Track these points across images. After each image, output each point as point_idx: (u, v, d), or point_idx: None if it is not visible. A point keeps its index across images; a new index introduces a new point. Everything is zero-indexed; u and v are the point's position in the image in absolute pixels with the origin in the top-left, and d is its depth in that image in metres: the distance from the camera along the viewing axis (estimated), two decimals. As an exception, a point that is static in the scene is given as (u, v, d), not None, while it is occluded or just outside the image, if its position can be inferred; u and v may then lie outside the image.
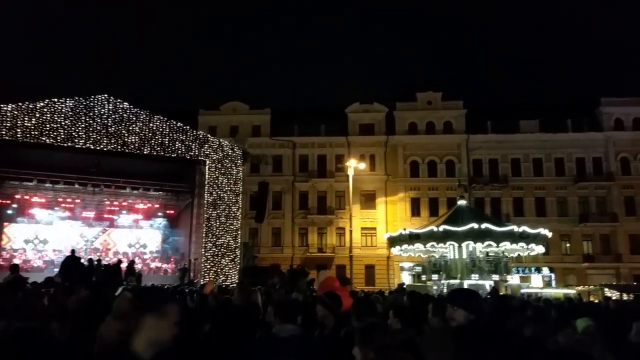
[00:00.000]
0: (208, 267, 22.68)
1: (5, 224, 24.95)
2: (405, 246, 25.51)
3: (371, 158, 44.97)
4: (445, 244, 23.65)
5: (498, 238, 22.49)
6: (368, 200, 44.45)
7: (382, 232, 40.64)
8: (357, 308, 4.62)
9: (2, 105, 19.87)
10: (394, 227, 39.45)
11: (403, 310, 4.67)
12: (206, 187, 23.45)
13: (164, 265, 26.09)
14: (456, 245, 23.48)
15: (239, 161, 24.63)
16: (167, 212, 27.80)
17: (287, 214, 44.42)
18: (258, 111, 46.23)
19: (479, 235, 22.25)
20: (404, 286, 18.16)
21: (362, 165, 38.14)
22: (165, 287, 16.05)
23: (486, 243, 22.79)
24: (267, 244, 43.08)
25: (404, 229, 25.85)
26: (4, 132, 19.82)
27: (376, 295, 10.47)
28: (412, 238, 24.34)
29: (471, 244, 23.10)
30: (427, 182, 44.54)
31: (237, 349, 3.96)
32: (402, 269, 41.96)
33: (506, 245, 23.12)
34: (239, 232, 24.00)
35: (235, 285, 20.35)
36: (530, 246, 24.18)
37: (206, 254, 22.79)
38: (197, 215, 24.10)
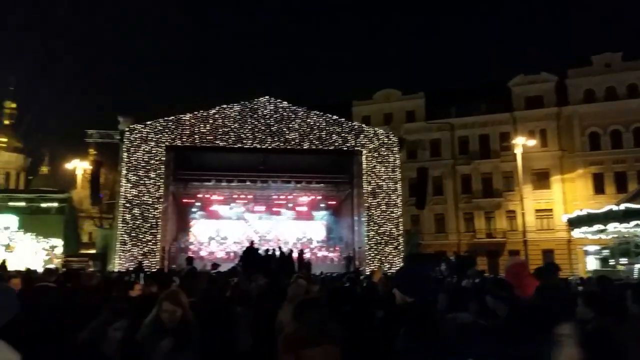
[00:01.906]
0: (372, 255, 22.90)
1: (192, 223, 28.14)
2: (585, 228, 22.79)
3: (541, 133, 41.05)
4: (629, 224, 20.52)
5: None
6: (541, 179, 40.71)
7: (559, 213, 37.03)
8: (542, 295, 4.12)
9: (181, 116, 22.46)
10: (573, 207, 35.59)
11: (596, 297, 4.04)
12: (364, 177, 23.69)
13: (330, 254, 27.04)
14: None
15: (395, 148, 24.40)
16: (329, 203, 28.78)
17: (450, 199, 42.84)
18: (411, 96, 45.28)
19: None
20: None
21: (532, 142, 34.99)
22: (334, 274, 16.58)
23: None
24: (431, 231, 42.08)
25: (580, 210, 23.12)
26: (184, 139, 22.41)
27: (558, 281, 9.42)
28: (592, 219, 21.63)
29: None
30: (611, 155, 39.17)
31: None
32: (586, 252, 37.65)
33: None
34: (401, 219, 23.79)
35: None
36: None
37: (369, 243, 23.03)
38: (357, 205, 24.50)
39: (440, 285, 9.91)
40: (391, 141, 24.40)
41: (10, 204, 28.86)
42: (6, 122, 68.08)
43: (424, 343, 3.02)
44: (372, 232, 23.20)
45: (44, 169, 65.84)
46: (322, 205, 29.05)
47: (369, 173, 23.74)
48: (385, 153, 24.11)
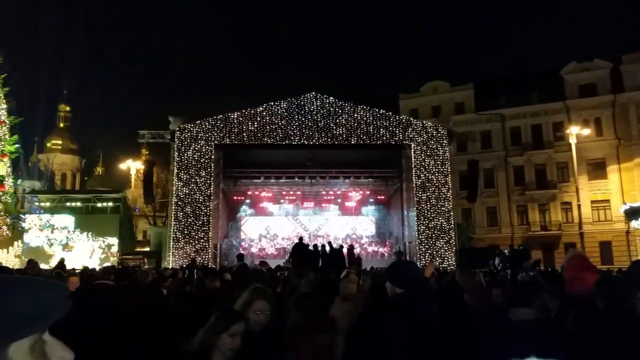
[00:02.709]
0: (423, 249, 22.51)
1: (242, 220, 28.49)
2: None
3: (596, 122, 39.22)
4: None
5: None
6: (597, 169, 38.92)
7: (617, 204, 35.40)
8: (601, 290, 3.80)
9: (229, 114, 22.73)
10: (631, 197, 33.94)
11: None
12: (413, 170, 23.31)
13: (381, 249, 26.79)
14: None
15: (445, 141, 23.87)
16: (378, 197, 28.52)
17: (502, 192, 41.59)
18: (460, 87, 44.21)
19: None
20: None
21: (586, 131, 33.56)
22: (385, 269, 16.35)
23: None
24: (483, 224, 41.02)
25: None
26: (233, 137, 22.68)
27: (618, 274, 8.92)
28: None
29: None
30: (673, 142, 37.01)
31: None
32: (646, 244, 35.76)
33: None
34: (451, 213, 23.25)
35: (452, 267, 19.75)
36: None
37: (420, 237, 22.65)
38: (407, 199, 24.15)
39: (495, 280, 9.54)
40: (440, 134, 23.88)
41: (67, 204, 30.04)
42: (61, 124, 71.14)
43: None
44: (423, 227, 22.79)
45: (99, 170, 68.51)
46: (371, 200, 28.81)
47: (418, 167, 23.33)
48: (434, 146, 23.62)
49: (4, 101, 21.72)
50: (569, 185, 37.16)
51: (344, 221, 28.91)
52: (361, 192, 28.39)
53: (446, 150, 23.73)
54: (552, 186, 39.90)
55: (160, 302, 5.41)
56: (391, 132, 23.42)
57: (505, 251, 23.19)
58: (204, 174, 22.55)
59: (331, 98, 23.67)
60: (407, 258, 23.16)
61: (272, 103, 23.22)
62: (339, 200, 28.87)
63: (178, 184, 22.49)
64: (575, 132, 30.66)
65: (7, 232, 28.08)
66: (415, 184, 23.17)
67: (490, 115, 41.80)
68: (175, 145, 22.81)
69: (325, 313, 3.43)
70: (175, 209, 22.41)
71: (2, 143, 22.38)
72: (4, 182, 21.72)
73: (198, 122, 22.97)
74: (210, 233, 22.29)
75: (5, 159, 24.43)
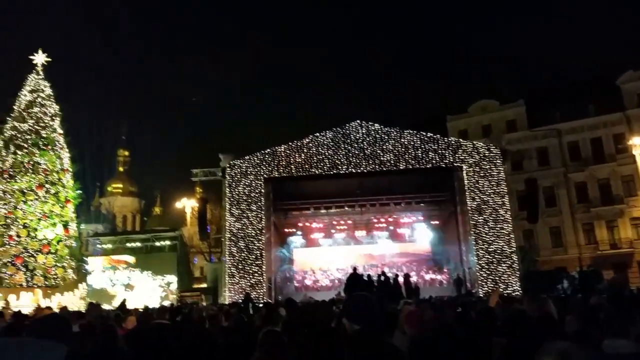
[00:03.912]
0: (484, 275, 21.54)
1: (294, 252, 28.36)
2: None
3: (661, 130, 36.95)
4: None
5: None
6: (666, 180, 36.46)
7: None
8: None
9: (276, 147, 22.97)
10: None
11: None
12: (467, 193, 22.61)
13: (438, 277, 25.90)
14: None
15: (498, 161, 23.10)
16: (433, 222, 27.71)
17: (565, 210, 39.54)
18: (510, 105, 42.97)
19: None
20: None
21: (651, 141, 31.61)
22: (444, 298, 15.70)
23: None
24: (547, 246, 38.99)
25: None
26: (281, 170, 22.84)
27: None
28: None
29: None
30: None
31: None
32: None
33: None
34: (512, 236, 22.24)
35: (518, 294, 18.75)
36: None
37: (480, 262, 21.72)
38: (462, 223, 23.37)
39: (565, 306, 8.83)
40: (492, 153, 23.13)
41: (127, 245, 31.02)
42: (120, 169, 74.52)
43: None
44: (482, 251, 21.86)
45: (157, 210, 70.83)
46: (424, 225, 28.04)
47: (472, 189, 22.59)
48: (487, 166, 22.87)
49: (66, 150, 22.81)
50: (637, 200, 34.92)
51: (397, 249, 28.24)
52: (414, 217, 27.73)
53: (501, 170, 22.92)
54: (619, 201, 37.60)
55: (207, 339, 5.31)
56: (440, 154, 22.93)
57: (574, 273, 21.87)
58: (254, 208, 22.71)
59: (376, 125, 23.53)
60: (468, 285, 22.23)
61: (317, 134, 23.31)
62: (391, 228, 28.28)
63: (230, 220, 22.73)
64: (638, 143, 28.99)
65: (73, 275, 29.22)
66: (471, 207, 22.44)
67: (545, 131, 40.23)
68: (226, 182, 23.18)
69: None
70: (228, 244, 22.61)
71: (66, 190, 23.50)
72: (68, 227, 22.60)
73: (247, 157, 23.32)
74: (263, 267, 22.26)
75: (69, 205, 25.63)
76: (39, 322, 3.01)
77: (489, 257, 21.73)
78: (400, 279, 21.20)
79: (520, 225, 30.01)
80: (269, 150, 23.26)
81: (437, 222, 27.61)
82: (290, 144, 23.17)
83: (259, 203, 22.79)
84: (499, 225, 22.10)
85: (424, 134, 23.29)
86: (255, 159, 23.20)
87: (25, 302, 18.45)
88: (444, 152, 23.03)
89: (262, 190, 22.94)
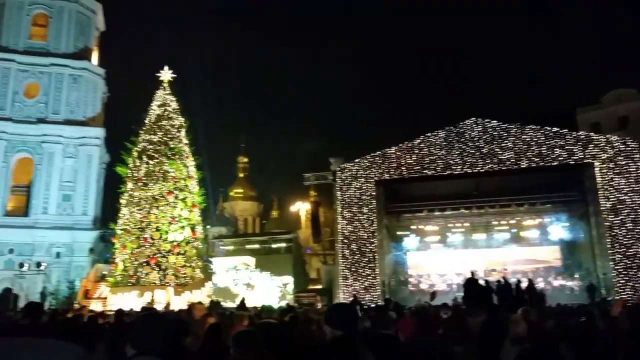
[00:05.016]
0: (622, 282, 19.37)
1: (408, 254, 27.70)
2: None
3: None
4: None
5: None
6: None
7: None
8: None
9: (386, 150, 22.68)
10: None
11: None
12: (600, 192, 20.65)
13: (569, 283, 23.80)
14: None
15: (637, 156, 20.78)
16: (561, 224, 25.48)
17: None
18: (654, 92, 38.30)
19: None
20: None
21: None
22: (574, 306, 14.38)
23: None
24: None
25: None
26: (392, 172, 22.51)
27: None
28: None
29: None
30: None
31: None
32: None
33: None
34: (656, 238, 19.71)
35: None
36: None
37: (616, 268, 19.59)
38: (596, 225, 21.29)
39: None
40: (630, 148, 20.86)
41: (247, 246, 32.65)
42: (240, 175, 78.90)
43: None
44: (619, 256, 19.73)
45: (274, 213, 73.79)
46: (552, 228, 25.87)
47: (606, 187, 20.51)
48: (623, 162, 20.66)
49: (192, 159, 24.53)
50: None
51: (521, 253, 26.37)
52: (539, 219, 25.73)
53: (639, 166, 20.46)
54: None
55: (310, 340, 5.28)
56: (568, 151, 21.17)
57: None
58: (366, 210, 22.63)
59: (494, 122, 22.29)
60: (602, 292, 20.12)
61: (429, 134, 22.62)
62: (514, 230, 26.51)
63: (342, 222, 22.88)
64: None
65: (200, 274, 31.48)
66: (605, 207, 20.49)
67: (696, 119, 35.24)
68: (337, 185, 23.38)
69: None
70: (341, 246, 22.76)
71: (193, 195, 25.31)
72: (196, 229, 24.30)
73: (357, 160, 23.33)
74: (376, 269, 22.06)
75: (196, 209, 27.69)
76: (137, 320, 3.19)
77: (627, 262, 19.61)
78: (524, 285, 19.73)
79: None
80: (379, 152, 23.07)
81: (566, 224, 25.37)
82: (400, 145, 22.77)
83: (371, 206, 22.67)
84: (638, 227, 19.84)
85: (549, 128, 21.62)
86: (365, 161, 23.14)
87: (159, 299, 20.15)
88: (572, 147, 21.31)
89: (373, 193, 22.78)
